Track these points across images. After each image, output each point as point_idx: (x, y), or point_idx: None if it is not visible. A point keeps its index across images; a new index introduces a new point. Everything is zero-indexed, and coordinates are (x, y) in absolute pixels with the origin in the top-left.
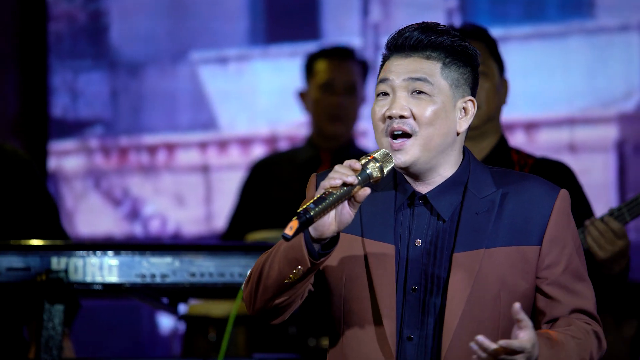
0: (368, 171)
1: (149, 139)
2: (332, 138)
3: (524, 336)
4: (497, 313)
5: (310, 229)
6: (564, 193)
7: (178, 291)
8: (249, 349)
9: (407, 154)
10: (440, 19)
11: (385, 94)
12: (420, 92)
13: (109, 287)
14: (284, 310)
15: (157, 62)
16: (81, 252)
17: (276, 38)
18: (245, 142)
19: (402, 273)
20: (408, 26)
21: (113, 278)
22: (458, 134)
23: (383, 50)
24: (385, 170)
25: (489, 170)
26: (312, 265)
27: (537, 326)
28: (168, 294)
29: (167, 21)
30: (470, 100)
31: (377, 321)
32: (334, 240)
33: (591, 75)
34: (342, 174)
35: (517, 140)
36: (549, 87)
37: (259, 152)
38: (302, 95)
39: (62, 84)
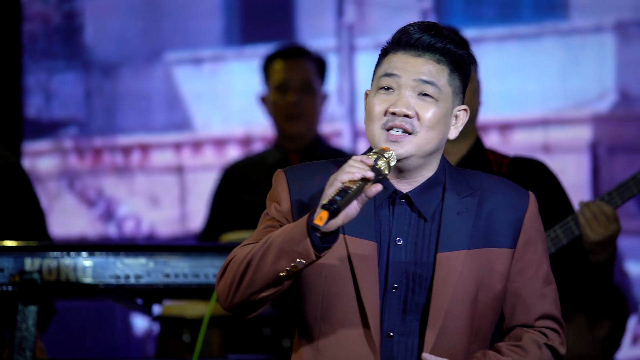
0: (379, 168)
1: (123, 140)
2: (294, 138)
3: None
4: (474, 313)
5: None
6: (533, 196)
7: (152, 292)
8: (223, 350)
9: (403, 147)
10: (415, 20)
11: (389, 88)
12: (426, 95)
13: (83, 288)
14: (263, 305)
15: (132, 63)
16: (55, 253)
17: (251, 39)
18: (220, 143)
19: (382, 271)
20: (416, 24)
21: (87, 279)
22: (448, 140)
23: (385, 44)
24: (392, 167)
25: (461, 172)
26: (316, 258)
27: (498, 329)
28: (142, 295)
29: (142, 22)
30: (464, 109)
31: (361, 318)
32: (334, 233)
33: (565, 76)
34: (360, 168)
35: (491, 141)
36: (523, 88)
37: (233, 153)
38: (264, 99)
39: (36, 85)
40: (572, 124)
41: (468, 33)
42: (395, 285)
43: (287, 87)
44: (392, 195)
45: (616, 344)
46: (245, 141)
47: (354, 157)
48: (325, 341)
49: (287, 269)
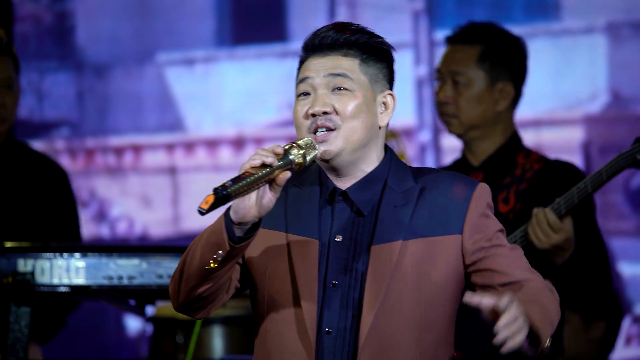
0: (291, 157)
1: (116, 141)
2: None
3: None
4: (418, 305)
5: (231, 212)
6: (483, 185)
7: (145, 293)
8: (217, 351)
9: (331, 144)
10: (407, 21)
11: (307, 93)
12: (341, 88)
13: (75, 289)
14: (208, 302)
15: (123, 64)
16: (48, 254)
17: (243, 39)
18: (212, 144)
19: (322, 268)
20: (323, 27)
21: (80, 280)
22: (380, 127)
23: (300, 53)
24: (308, 158)
25: (409, 168)
26: (232, 249)
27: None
28: (135, 296)
29: (133, 22)
30: (389, 94)
31: (298, 315)
32: (255, 226)
33: (557, 77)
34: (262, 155)
35: None
36: None
37: (225, 153)
38: None
39: (27, 85)
40: (564, 125)
41: None
42: (335, 282)
43: None
44: (332, 194)
45: (611, 345)
46: (238, 142)
47: (269, 146)
48: (270, 338)
49: (211, 261)
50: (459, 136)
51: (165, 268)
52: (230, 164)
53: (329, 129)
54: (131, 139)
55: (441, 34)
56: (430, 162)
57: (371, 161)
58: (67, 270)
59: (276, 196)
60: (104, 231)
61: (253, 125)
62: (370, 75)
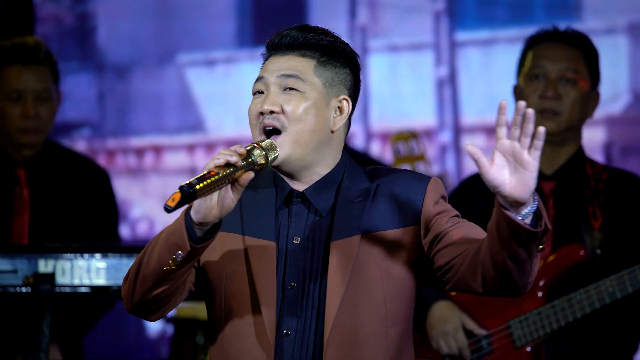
0: (253, 157)
1: (136, 142)
2: None
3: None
4: (381, 298)
5: (193, 212)
6: (435, 179)
7: None
8: None
9: (280, 150)
10: (427, 22)
11: (261, 92)
12: (291, 89)
13: (96, 290)
14: (163, 304)
15: (144, 65)
16: (69, 254)
17: (263, 40)
18: (233, 144)
19: (280, 270)
20: (287, 28)
21: (100, 280)
22: (332, 131)
23: (263, 52)
24: (270, 158)
25: (364, 169)
26: (192, 250)
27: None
28: None
29: (154, 23)
30: (344, 99)
31: (257, 317)
32: (215, 227)
33: None
34: (226, 154)
35: None
36: None
37: None
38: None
39: None
40: (586, 126)
41: (481, 34)
42: (293, 284)
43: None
44: (289, 196)
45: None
46: None
47: (231, 146)
48: (227, 342)
49: (169, 262)
50: (550, 135)
51: None
52: None
53: (275, 129)
54: (152, 139)
55: (462, 35)
56: (450, 163)
57: (326, 164)
58: (87, 271)
59: (238, 197)
60: (125, 232)
61: None
62: (326, 79)
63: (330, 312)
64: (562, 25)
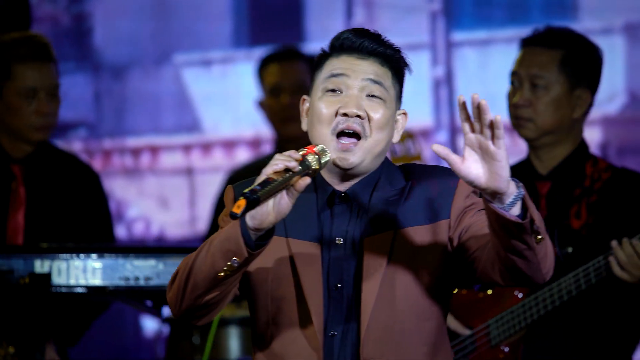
0: (308, 162)
1: (133, 142)
2: (291, 140)
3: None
4: (416, 293)
5: (248, 218)
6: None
7: (162, 294)
8: (233, 352)
9: (355, 155)
10: (424, 22)
11: (336, 90)
12: (374, 96)
13: (92, 290)
14: (212, 309)
15: (141, 65)
16: (65, 254)
17: (260, 40)
18: (229, 145)
19: (325, 272)
20: (354, 30)
21: (96, 281)
22: (393, 143)
23: (326, 49)
24: (322, 162)
25: (399, 168)
26: (249, 256)
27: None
28: (152, 297)
29: (151, 23)
30: (403, 113)
31: (306, 319)
32: (269, 232)
33: None
34: (283, 160)
35: None
36: None
37: (243, 154)
38: (261, 104)
39: None
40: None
41: (477, 35)
42: (338, 285)
43: (280, 90)
44: (331, 196)
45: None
46: (255, 143)
47: (285, 152)
48: (276, 344)
49: (224, 268)
50: (530, 141)
51: None
52: None
53: (356, 133)
54: (148, 140)
55: (458, 35)
56: (446, 164)
57: (373, 168)
58: (83, 271)
59: (293, 202)
60: (121, 232)
61: (270, 126)
62: (396, 92)
63: (367, 308)
64: (557, 26)
